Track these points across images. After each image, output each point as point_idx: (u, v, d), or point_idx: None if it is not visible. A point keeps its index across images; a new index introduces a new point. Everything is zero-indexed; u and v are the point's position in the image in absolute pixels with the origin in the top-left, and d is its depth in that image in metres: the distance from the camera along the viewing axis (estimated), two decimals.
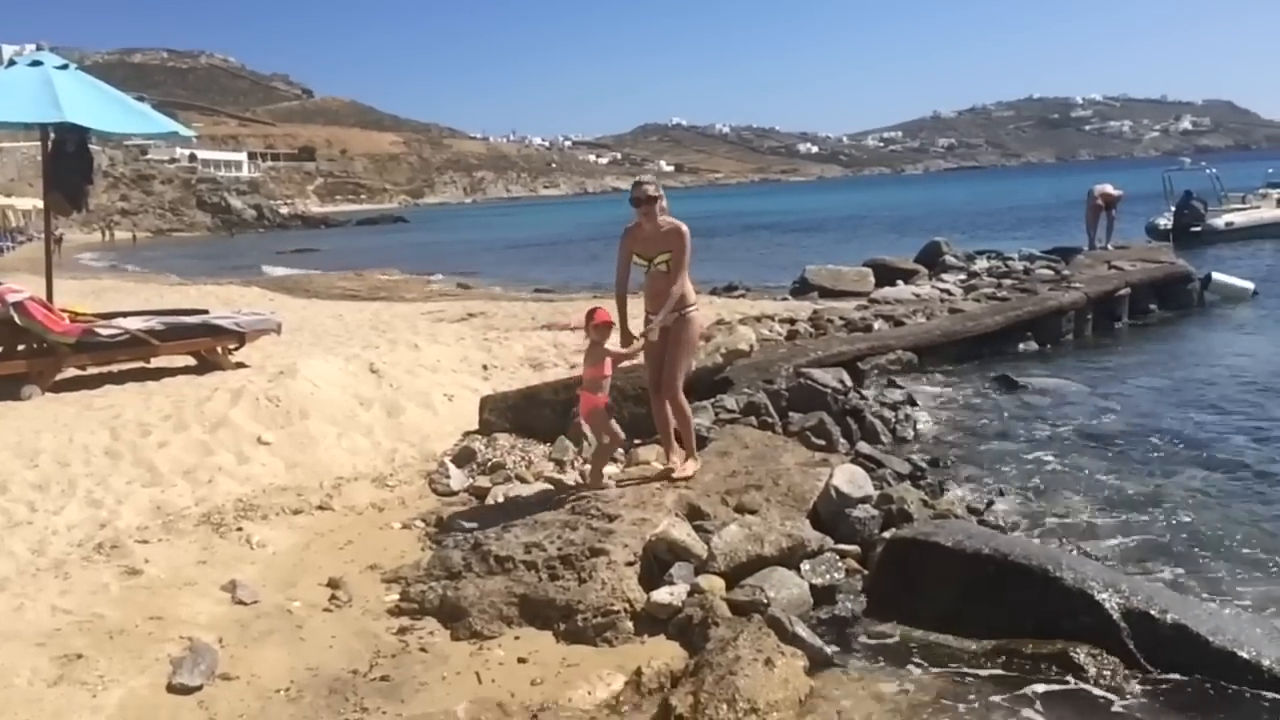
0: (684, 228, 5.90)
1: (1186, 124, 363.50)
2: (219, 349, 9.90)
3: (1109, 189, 19.23)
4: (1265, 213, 26.27)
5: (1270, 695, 3.90)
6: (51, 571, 5.04)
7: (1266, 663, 3.98)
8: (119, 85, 11.78)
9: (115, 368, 9.62)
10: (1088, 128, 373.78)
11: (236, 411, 7.44)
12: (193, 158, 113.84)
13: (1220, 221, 25.09)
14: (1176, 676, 4.02)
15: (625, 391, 7.05)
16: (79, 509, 5.89)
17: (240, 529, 5.70)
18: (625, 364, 6.52)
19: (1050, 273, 15.58)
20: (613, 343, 6.07)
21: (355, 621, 4.63)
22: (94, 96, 9.73)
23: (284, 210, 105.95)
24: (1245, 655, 4.01)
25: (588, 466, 6.60)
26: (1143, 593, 4.34)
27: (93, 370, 9.49)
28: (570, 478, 6.47)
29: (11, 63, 10.32)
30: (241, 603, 4.76)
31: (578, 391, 6.25)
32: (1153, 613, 4.18)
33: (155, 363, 9.82)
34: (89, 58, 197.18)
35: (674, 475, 5.97)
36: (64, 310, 9.50)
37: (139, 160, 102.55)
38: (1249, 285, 15.77)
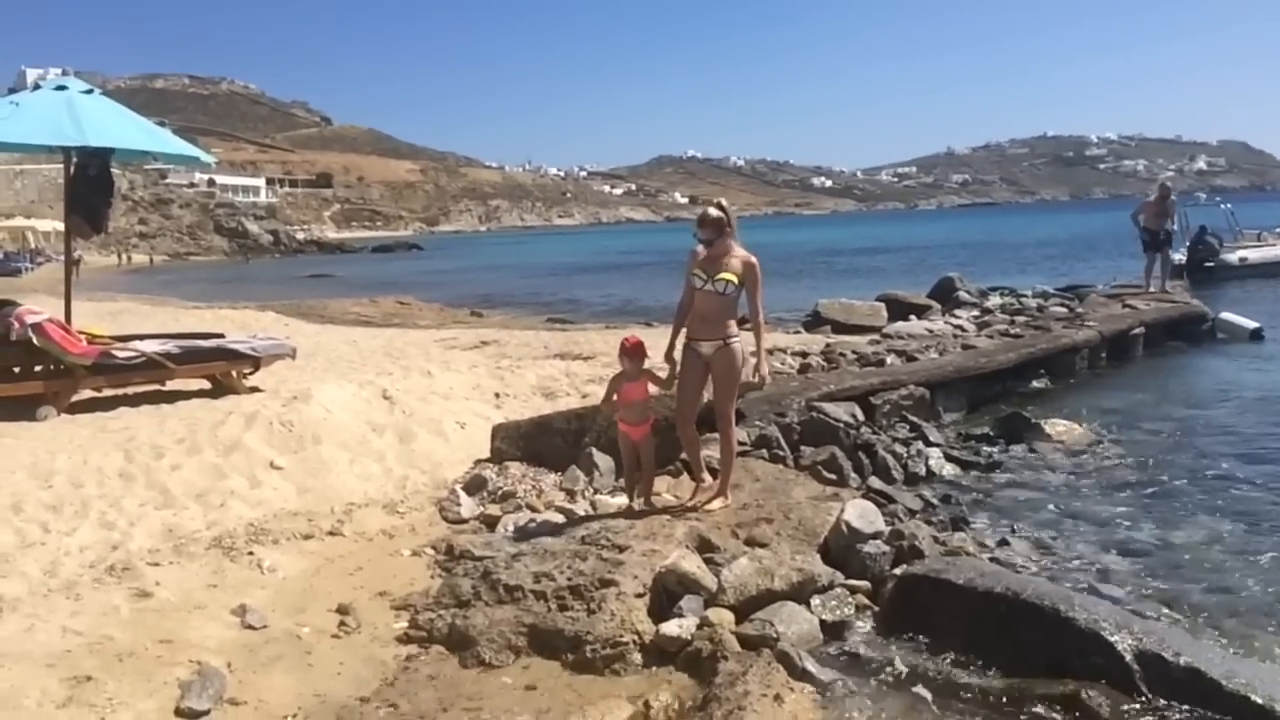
0: (755, 260, 5.88)
1: (1201, 164, 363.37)
2: (233, 373, 9.94)
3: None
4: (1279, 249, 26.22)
5: None
6: (63, 592, 5.05)
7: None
8: (140, 110, 11.91)
9: (130, 390, 9.67)
10: (1102, 166, 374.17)
11: (250, 436, 7.47)
12: (211, 182, 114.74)
13: (1234, 257, 25.04)
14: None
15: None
16: (91, 530, 5.90)
17: (251, 553, 5.71)
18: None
19: (1064, 310, 15.55)
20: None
21: (363, 648, 4.63)
22: (117, 121, 9.85)
23: (300, 236, 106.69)
24: (1259, 700, 3.97)
25: (599, 496, 6.62)
26: (1156, 634, 4.32)
27: (108, 392, 9.54)
28: (581, 507, 6.47)
29: (36, 86, 10.43)
30: (251, 627, 4.76)
31: (615, 418, 6.31)
32: (1166, 655, 4.14)
33: (170, 385, 9.85)
34: (111, 82, 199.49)
35: (700, 506, 5.98)
36: (81, 332, 9.56)
37: (158, 184, 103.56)
38: (1249, 325, 15.68)
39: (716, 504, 6.01)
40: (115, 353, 9.36)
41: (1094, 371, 12.97)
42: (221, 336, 10.85)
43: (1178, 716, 4.00)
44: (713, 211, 5.91)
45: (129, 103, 12.13)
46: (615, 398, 6.17)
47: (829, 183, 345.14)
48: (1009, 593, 4.52)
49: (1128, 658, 4.15)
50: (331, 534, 6.16)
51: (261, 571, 5.51)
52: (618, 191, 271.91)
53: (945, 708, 4.18)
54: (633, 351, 6.03)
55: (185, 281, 47.14)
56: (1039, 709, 4.09)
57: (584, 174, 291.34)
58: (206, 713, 3.96)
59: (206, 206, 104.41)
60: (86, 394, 9.39)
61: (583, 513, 6.30)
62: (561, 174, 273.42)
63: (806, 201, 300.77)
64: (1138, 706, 4.04)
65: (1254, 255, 25.49)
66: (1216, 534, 6.67)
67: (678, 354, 6.10)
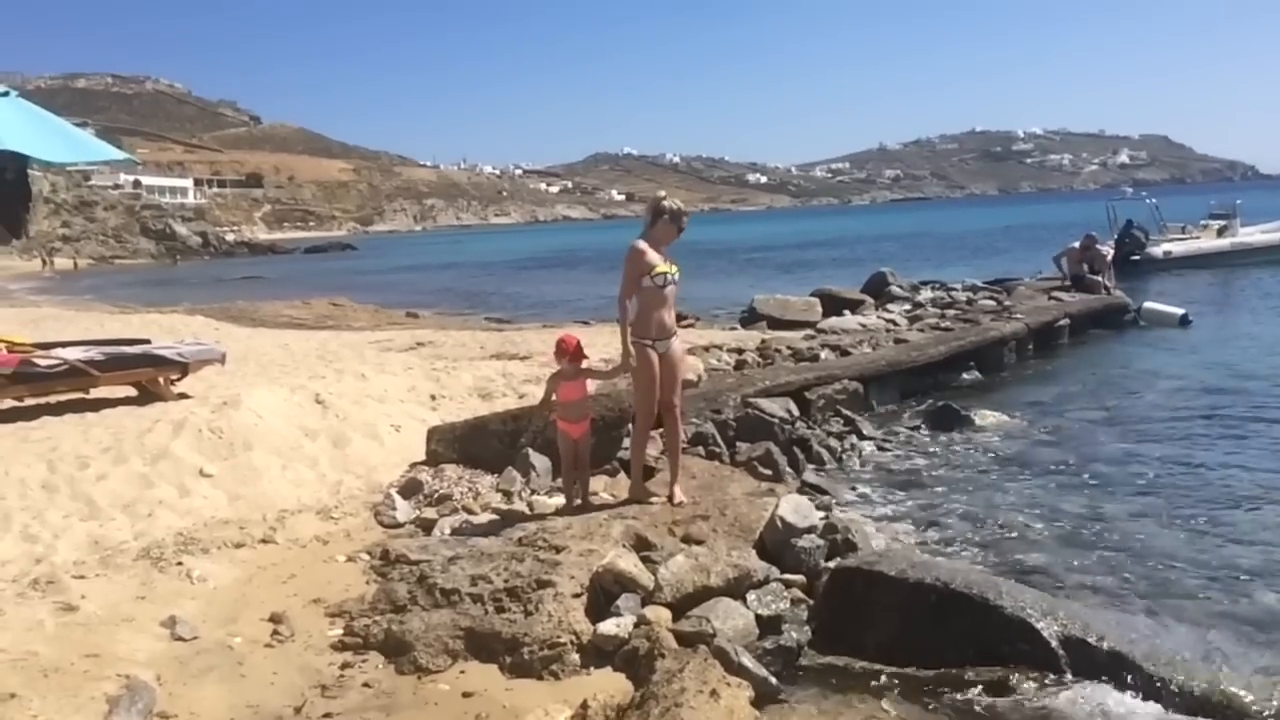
0: None
1: (1124, 158, 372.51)
2: (161, 380, 9.74)
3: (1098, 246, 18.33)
4: (1204, 243, 27.04)
5: None
6: None
7: (1198, 687, 4.08)
8: (62, 111, 11.63)
9: (53, 399, 9.43)
10: (1029, 160, 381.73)
11: (178, 443, 7.33)
12: (137, 184, 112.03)
13: (1159, 250, 25.79)
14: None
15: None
16: (14, 544, 5.75)
17: (180, 563, 5.60)
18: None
19: (992, 303, 15.88)
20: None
21: (298, 657, 4.57)
22: (35, 125, 9.57)
23: (230, 237, 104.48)
24: (1178, 679, 4.10)
25: (536, 497, 6.62)
26: (1080, 619, 4.43)
27: (30, 401, 9.27)
28: (518, 508, 6.45)
29: None
30: (181, 639, 4.67)
31: (553, 418, 6.33)
32: (1090, 639, 4.27)
33: (95, 394, 9.64)
34: (31, 82, 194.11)
35: (672, 501, 6.08)
36: (1, 340, 9.30)
37: (81, 186, 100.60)
38: (1178, 311, 16.14)
39: (682, 494, 6.11)
40: (37, 361, 9.12)
41: (1021, 362, 13.26)
42: (148, 342, 10.62)
43: (1101, 699, 4.11)
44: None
45: (50, 103, 11.83)
46: (555, 397, 6.18)
47: (764, 179, 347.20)
48: (939, 583, 4.60)
49: (1053, 643, 4.27)
50: (264, 541, 6.06)
51: (191, 582, 5.41)
52: (554, 190, 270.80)
53: (878, 698, 4.26)
54: (572, 352, 6.08)
55: (111, 285, 45.98)
56: (969, 695, 4.19)
57: (520, 172, 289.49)
58: None
59: (132, 208, 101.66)
60: (7, 403, 9.14)
61: (520, 514, 6.29)
62: (497, 172, 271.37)
63: (742, 198, 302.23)
64: (1063, 690, 4.15)
65: (1178, 249, 26.28)
66: (1141, 514, 6.89)
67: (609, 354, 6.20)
